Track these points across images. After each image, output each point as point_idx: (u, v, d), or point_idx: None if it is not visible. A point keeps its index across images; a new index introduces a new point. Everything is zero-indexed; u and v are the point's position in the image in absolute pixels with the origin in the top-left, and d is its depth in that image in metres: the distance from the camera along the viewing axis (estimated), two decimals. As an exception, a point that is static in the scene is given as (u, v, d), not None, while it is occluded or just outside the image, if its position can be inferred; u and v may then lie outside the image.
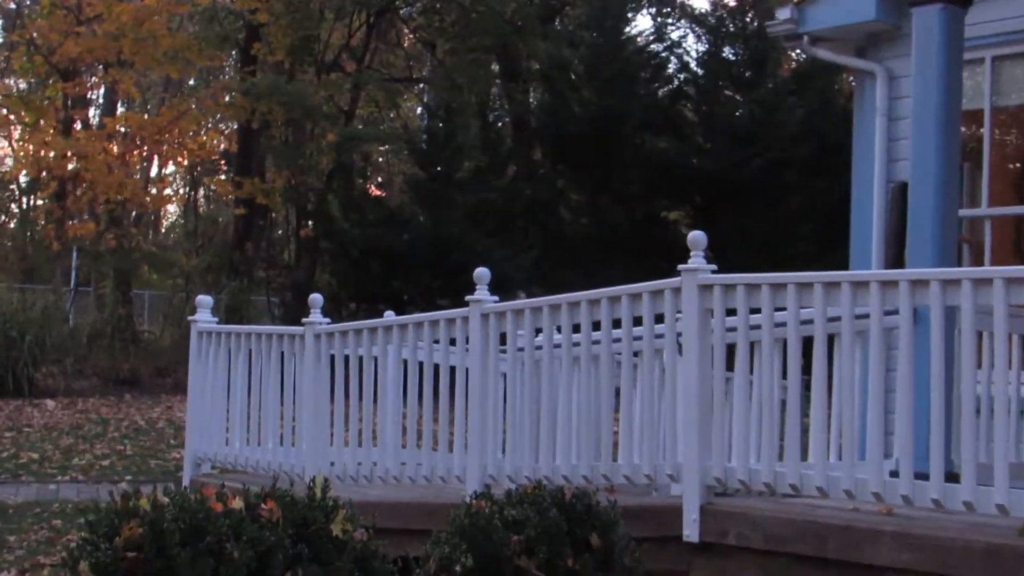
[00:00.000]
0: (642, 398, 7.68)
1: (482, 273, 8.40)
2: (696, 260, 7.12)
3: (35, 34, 30.79)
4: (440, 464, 8.81)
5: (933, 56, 8.05)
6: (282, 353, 9.92)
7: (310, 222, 31.77)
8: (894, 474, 6.51)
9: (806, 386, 6.86)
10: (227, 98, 32.96)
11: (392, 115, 39.11)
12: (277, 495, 4.88)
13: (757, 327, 7.08)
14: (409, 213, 28.38)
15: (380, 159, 41.32)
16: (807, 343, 6.80)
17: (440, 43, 33.84)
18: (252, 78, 30.98)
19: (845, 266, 11.28)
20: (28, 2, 33.69)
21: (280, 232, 41.69)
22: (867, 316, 6.60)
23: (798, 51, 14.35)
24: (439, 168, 27.89)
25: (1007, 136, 11.07)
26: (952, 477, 6.24)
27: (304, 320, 9.61)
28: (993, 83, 10.57)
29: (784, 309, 6.83)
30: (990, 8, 9.78)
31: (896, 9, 10.46)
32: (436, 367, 9.01)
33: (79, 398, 22.35)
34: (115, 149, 30.30)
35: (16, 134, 33.02)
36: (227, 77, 36.60)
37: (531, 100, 32.23)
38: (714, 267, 7.17)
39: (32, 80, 35.30)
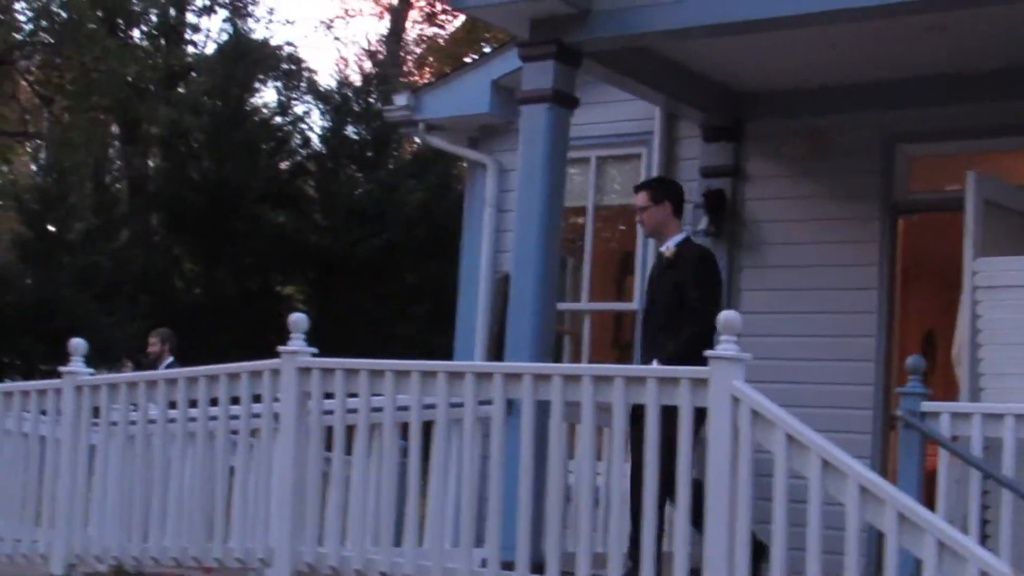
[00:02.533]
0: (237, 478, 7.55)
1: (78, 344, 8.15)
2: (296, 343, 7.08)
3: None
4: (26, 538, 8.42)
5: (538, 153, 8.30)
6: None
7: (-95, 278, 30.16)
8: (487, 562, 6.59)
9: (404, 471, 6.89)
10: None
11: (4, 170, 37.70)
12: None
13: (356, 411, 7.08)
14: (14, 273, 27.28)
15: (-12, 215, 39.69)
16: (408, 429, 6.84)
17: (58, 100, 32.88)
18: None
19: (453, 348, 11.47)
20: None
21: None
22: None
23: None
24: (49, 228, 26.97)
25: (609, 233, 11.50)
26: (539, 567, 6.36)
27: None
28: (597, 182, 10.98)
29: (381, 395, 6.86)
30: (596, 111, 10.17)
31: (508, 105, 10.76)
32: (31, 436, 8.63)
33: None
34: None
35: None
36: None
37: (150, 164, 31.61)
38: (314, 350, 7.14)
39: None
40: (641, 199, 7.99)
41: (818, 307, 9.58)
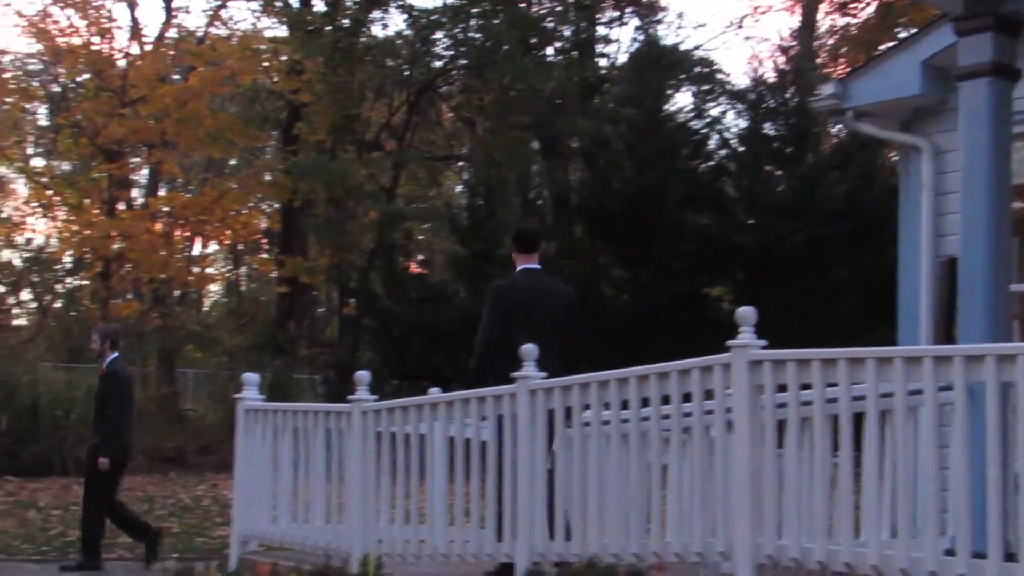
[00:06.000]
0: (692, 475, 7.61)
1: (529, 350, 8.38)
2: (746, 336, 7.07)
3: (80, 117, 31.20)
4: (488, 542, 8.72)
5: (981, 131, 8.00)
6: (328, 430, 9.92)
7: (352, 300, 31.87)
8: (949, 552, 6.42)
9: (858, 462, 6.79)
10: (269, 177, 33.25)
11: (433, 192, 39.31)
12: (331, 574, 4.86)
13: (807, 403, 7.02)
14: (450, 290, 28.42)
15: (422, 237, 41.49)
16: (858, 419, 6.74)
17: (480, 121, 34.04)
18: (294, 157, 31.22)
19: (889, 340, 11.18)
20: (73, 85, 34.12)
21: (322, 310, 41.84)
22: (920, 392, 6.54)
23: (839, 126, 14.35)
24: (480, 245, 27.95)
25: (1056, 210, 10.97)
26: (1010, 557, 6.14)
27: (351, 397, 9.62)
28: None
29: (835, 385, 6.77)
30: (1037, 82, 9.74)
31: (942, 84, 10.45)
32: (483, 444, 8.94)
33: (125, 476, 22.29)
34: (159, 229, 30.58)
35: (61, 215, 33.28)
36: (269, 156, 36.91)
37: (571, 177, 32.30)
38: (764, 343, 7.12)
39: (77, 161, 35.64)
40: None
41: None
